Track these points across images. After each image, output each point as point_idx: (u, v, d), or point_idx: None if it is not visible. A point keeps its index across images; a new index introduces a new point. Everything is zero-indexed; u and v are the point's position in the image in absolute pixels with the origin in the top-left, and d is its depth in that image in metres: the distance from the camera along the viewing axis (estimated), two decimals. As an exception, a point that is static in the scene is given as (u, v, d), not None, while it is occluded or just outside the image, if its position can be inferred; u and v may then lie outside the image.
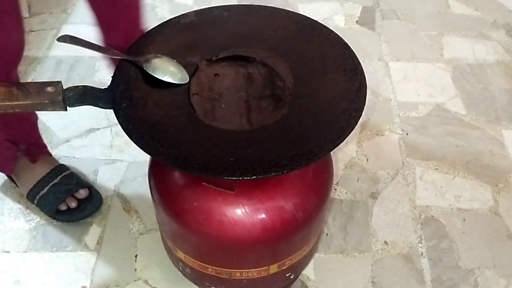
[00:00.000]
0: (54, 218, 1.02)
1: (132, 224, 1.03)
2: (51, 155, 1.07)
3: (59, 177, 1.01)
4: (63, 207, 1.00)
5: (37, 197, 1.00)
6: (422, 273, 0.97)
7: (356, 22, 1.52)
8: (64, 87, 0.64)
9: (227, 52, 0.72)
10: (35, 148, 1.02)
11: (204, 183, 0.69)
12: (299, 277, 0.94)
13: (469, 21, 1.53)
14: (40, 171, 1.01)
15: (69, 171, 1.04)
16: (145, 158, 0.72)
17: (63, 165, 1.05)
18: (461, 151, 1.18)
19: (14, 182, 1.05)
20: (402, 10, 1.56)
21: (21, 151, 0.99)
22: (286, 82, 0.68)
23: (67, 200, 1.00)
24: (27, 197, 1.02)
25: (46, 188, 1.00)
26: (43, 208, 1.01)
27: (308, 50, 0.72)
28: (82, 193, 1.01)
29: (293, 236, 0.73)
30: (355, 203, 1.08)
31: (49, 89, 0.63)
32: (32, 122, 1.01)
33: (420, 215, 1.06)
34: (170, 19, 0.76)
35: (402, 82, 1.34)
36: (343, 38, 0.74)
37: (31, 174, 1.01)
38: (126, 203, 1.06)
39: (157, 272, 0.96)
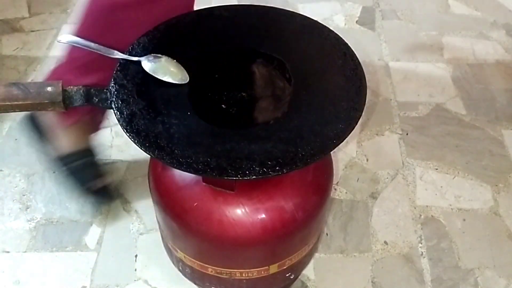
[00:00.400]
0: (73, 193, 0.99)
1: (132, 224, 1.03)
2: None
3: (97, 157, 0.99)
4: (87, 186, 0.98)
5: (70, 165, 0.96)
6: (422, 273, 0.97)
7: (356, 22, 1.52)
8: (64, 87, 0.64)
9: (227, 52, 0.72)
10: (102, 118, 1.00)
11: (204, 183, 0.69)
12: (299, 277, 0.94)
13: (469, 21, 1.53)
14: (86, 140, 0.98)
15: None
16: (145, 158, 0.72)
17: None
18: (461, 151, 1.18)
19: (42, 143, 0.98)
20: (402, 10, 1.56)
21: (90, 114, 0.94)
22: (286, 82, 0.68)
23: (93, 182, 0.98)
24: (60, 159, 0.96)
25: (83, 161, 0.96)
26: (69, 179, 0.97)
27: (308, 50, 0.72)
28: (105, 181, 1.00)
29: (293, 236, 0.73)
30: (355, 203, 1.08)
31: (49, 89, 0.63)
32: None
33: (420, 215, 1.06)
34: (170, 19, 0.76)
35: (402, 82, 1.34)
36: (343, 38, 0.74)
37: (77, 139, 0.96)
38: (126, 203, 1.06)
39: (157, 272, 0.96)
